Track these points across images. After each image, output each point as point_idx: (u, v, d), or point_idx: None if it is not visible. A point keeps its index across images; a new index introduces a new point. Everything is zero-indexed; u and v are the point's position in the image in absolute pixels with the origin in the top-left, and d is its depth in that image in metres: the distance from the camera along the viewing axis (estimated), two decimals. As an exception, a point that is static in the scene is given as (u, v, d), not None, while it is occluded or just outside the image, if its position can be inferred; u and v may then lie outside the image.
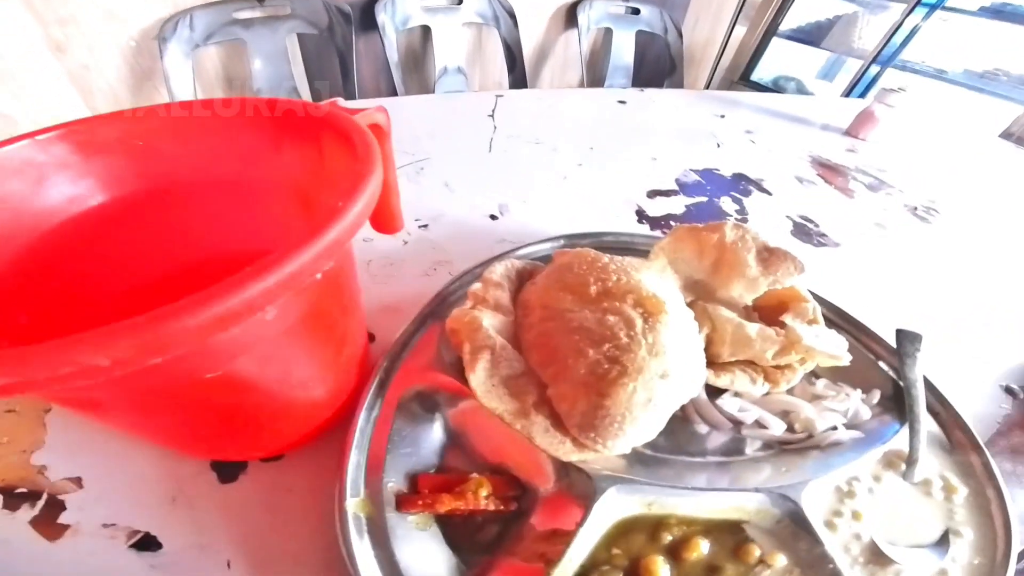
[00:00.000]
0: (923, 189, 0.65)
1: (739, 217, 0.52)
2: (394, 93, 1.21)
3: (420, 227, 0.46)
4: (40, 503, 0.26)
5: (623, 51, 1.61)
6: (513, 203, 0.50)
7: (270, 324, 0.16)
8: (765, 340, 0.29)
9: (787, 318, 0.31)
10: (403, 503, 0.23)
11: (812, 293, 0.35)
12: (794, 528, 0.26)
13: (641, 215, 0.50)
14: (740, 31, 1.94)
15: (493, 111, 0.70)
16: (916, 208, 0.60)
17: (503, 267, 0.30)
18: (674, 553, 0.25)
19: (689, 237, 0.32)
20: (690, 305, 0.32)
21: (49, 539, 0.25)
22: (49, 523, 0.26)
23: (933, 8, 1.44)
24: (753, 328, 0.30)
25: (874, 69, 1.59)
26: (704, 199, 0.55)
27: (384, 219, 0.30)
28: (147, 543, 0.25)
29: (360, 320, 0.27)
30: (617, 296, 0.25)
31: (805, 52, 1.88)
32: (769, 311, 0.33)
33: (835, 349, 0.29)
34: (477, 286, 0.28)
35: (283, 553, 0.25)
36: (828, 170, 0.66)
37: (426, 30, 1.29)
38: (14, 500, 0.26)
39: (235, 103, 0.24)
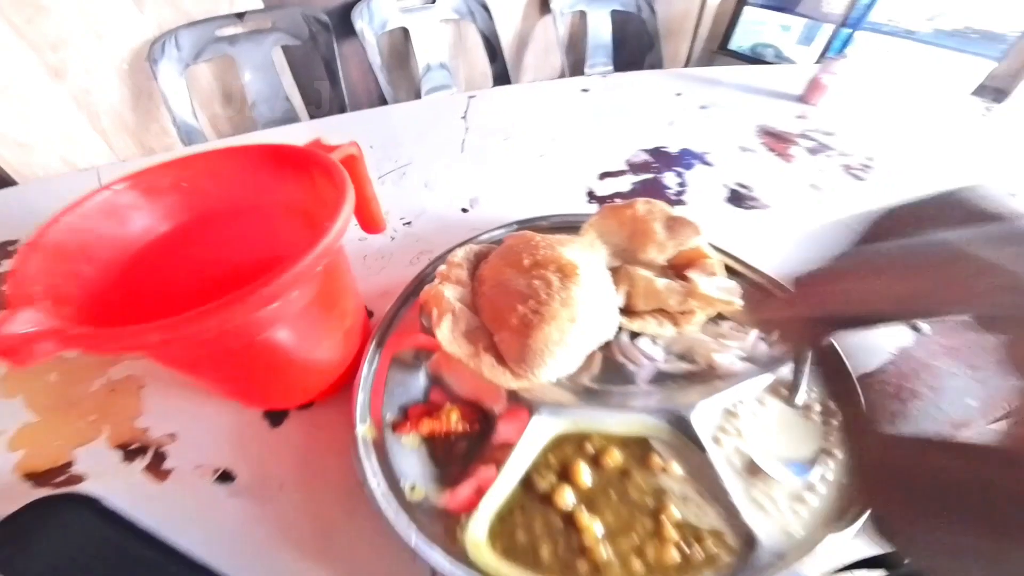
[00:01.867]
0: (863, 148, 0.71)
1: (679, 189, 0.60)
2: (381, 95, 1.27)
3: (404, 224, 0.54)
4: (148, 455, 0.36)
5: (600, 31, 1.64)
6: (483, 196, 0.59)
7: (294, 303, 0.25)
8: (670, 291, 0.37)
9: (691, 272, 0.39)
10: (396, 427, 0.33)
11: (721, 250, 0.43)
12: (687, 442, 0.33)
13: (592, 196, 0.58)
14: (715, 1, 1.95)
15: (465, 113, 0.77)
16: (852, 167, 0.67)
17: (463, 251, 0.39)
18: (595, 460, 0.33)
19: (611, 214, 0.40)
20: (617, 269, 0.40)
21: (159, 482, 0.34)
22: (156, 469, 0.35)
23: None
24: (662, 282, 0.38)
25: (847, 32, 1.61)
26: (650, 176, 0.62)
27: (369, 223, 0.39)
28: (225, 476, 0.34)
29: (357, 300, 0.36)
30: (543, 265, 0.34)
31: (783, 18, 1.88)
32: (681, 268, 0.41)
33: (727, 295, 0.37)
34: (443, 268, 0.37)
35: (318, 474, 0.34)
36: (773, 138, 0.73)
37: (405, 31, 1.33)
38: (130, 455, 0.36)
39: (248, 150, 0.32)
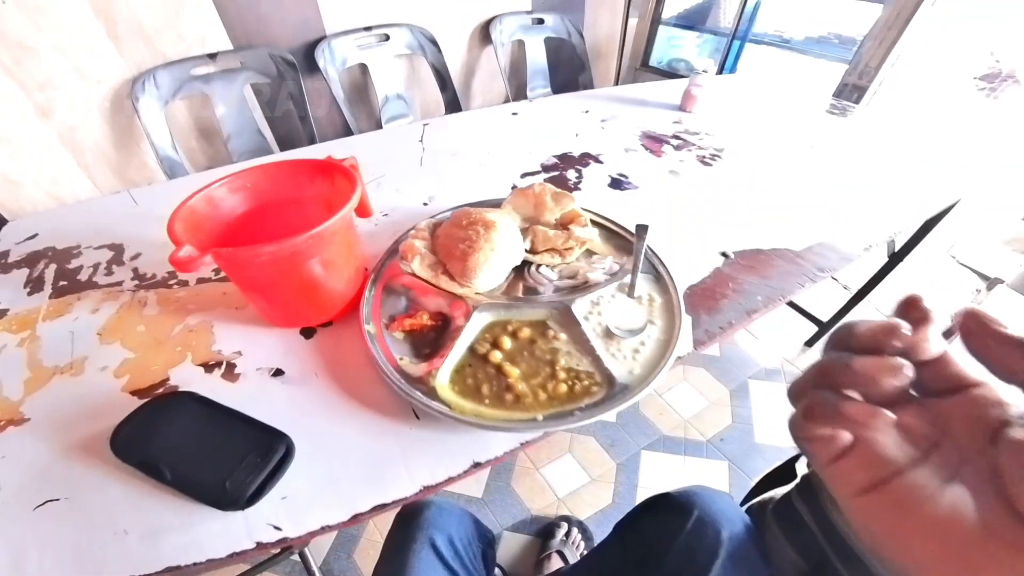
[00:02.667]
0: (716, 143, 0.97)
1: (577, 180, 0.84)
2: (346, 125, 1.42)
3: (384, 216, 0.76)
4: (223, 367, 0.53)
5: (537, 58, 1.85)
6: (438, 194, 0.80)
7: (327, 243, 0.46)
8: (557, 236, 0.60)
9: (572, 226, 0.62)
10: (388, 326, 0.54)
11: (590, 211, 0.66)
12: (569, 320, 0.54)
13: (514, 188, 0.81)
14: (635, 22, 2.24)
15: (422, 137, 0.99)
16: (704, 157, 0.92)
17: (426, 222, 0.61)
18: (514, 334, 0.54)
19: (519, 194, 0.63)
20: (526, 228, 0.63)
21: (232, 382, 0.51)
22: (230, 375, 0.52)
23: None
24: (552, 232, 0.61)
25: (738, 44, 1.92)
26: (557, 173, 0.86)
27: (362, 210, 0.60)
28: (278, 372, 0.52)
29: (362, 252, 0.57)
30: (475, 223, 0.56)
31: (692, 35, 2.20)
32: (566, 223, 0.64)
33: (588, 236, 0.60)
34: (413, 231, 0.59)
35: (339, 364, 0.53)
36: (651, 139, 0.98)
37: (364, 67, 1.49)
38: (209, 368, 0.52)
39: (293, 163, 0.53)
